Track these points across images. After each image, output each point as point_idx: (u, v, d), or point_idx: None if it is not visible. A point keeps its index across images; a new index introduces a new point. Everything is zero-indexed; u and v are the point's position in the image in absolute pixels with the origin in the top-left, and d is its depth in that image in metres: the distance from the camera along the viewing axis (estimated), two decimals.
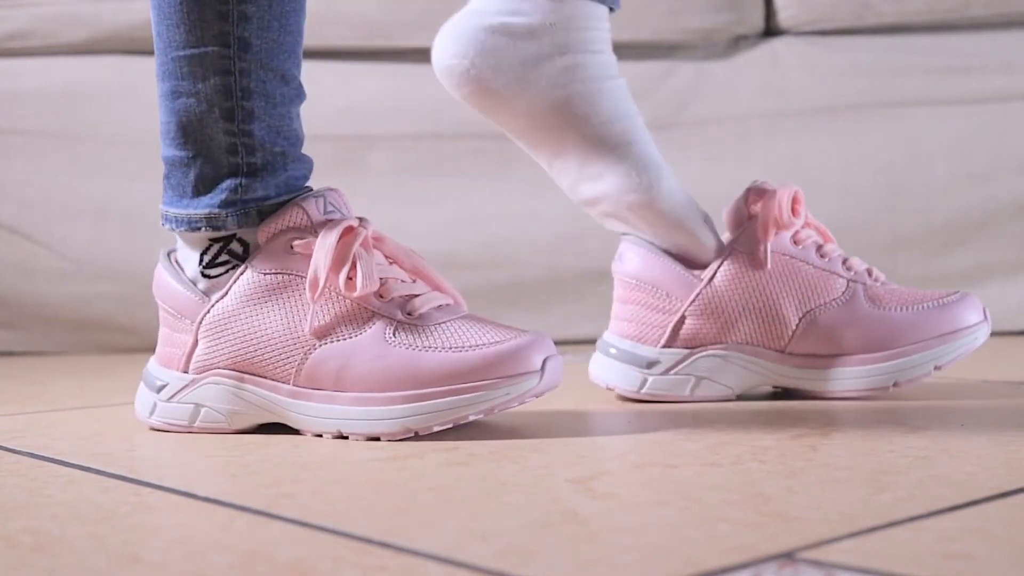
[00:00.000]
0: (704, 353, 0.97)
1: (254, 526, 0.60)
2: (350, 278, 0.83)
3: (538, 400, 0.88)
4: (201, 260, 0.87)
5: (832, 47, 1.55)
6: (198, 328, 0.86)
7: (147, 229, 1.54)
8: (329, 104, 1.51)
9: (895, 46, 1.55)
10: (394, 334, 0.83)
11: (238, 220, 0.86)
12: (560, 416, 0.92)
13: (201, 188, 0.86)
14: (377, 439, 0.82)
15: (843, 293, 0.96)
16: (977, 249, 1.52)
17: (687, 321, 0.97)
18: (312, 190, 0.88)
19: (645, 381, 0.98)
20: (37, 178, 1.56)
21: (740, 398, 0.98)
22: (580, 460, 0.74)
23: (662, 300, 0.98)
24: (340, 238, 0.84)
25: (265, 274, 0.85)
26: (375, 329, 0.83)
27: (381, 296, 0.84)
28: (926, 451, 0.74)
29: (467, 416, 0.82)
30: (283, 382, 0.85)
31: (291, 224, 0.85)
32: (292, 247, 0.85)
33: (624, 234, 1.01)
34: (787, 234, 0.97)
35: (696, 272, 0.97)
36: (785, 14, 1.56)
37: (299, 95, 0.88)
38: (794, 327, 0.96)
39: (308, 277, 0.83)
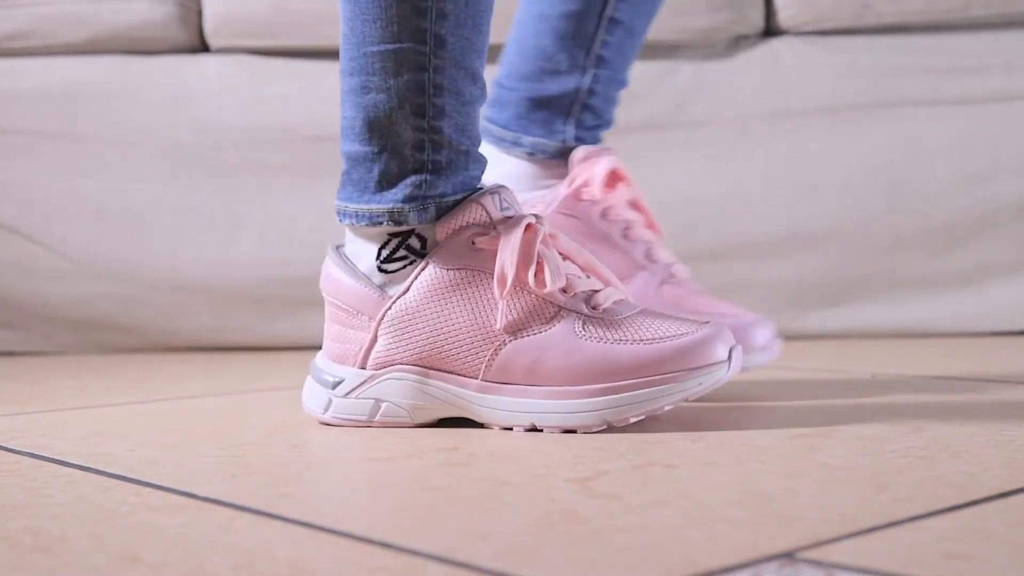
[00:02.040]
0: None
1: (254, 526, 0.60)
2: (537, 274, 0.84)
3: None
4: (379, 254, 0.87)
5: (832, 47, 1.55)
6: (378, 324, 0.86)
7: (147, 229, 1.54)
8: (330, 104, 1.50)
9: (895, 46, 1.55)
10: (583, 328, 0.84)
11: (418, 216, 0.86)
12: None
13: (385, 183, 0.86)
14: (573, 431, 0.83)
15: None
16: (977, 249, 1.52)
17: None
18: (485, 188, 0.88)
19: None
20: (37, 178, 1.56)
21: (740, 399, 0.98)
22: (580, 460, 0.74)
23: None
24: (523, 235, 0.84)
25: (448, 270, 0.85)
26: (564, 324, 0.84)
27: (565, 291, 0.85)
28: (926, 451, 0.74)
29: (662, 407, 0.83)
30: (471, 377, 0.85)
31: (472, 221, 0.85)
32: (475, 243, 0.85)
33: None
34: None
35: None
36: (785, 14, 1.56)
37: (483, 95, 0.89)
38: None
39: (496, 274, 0.84)
